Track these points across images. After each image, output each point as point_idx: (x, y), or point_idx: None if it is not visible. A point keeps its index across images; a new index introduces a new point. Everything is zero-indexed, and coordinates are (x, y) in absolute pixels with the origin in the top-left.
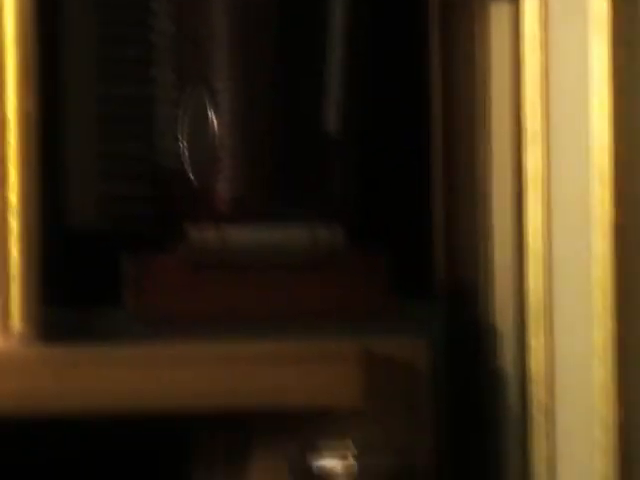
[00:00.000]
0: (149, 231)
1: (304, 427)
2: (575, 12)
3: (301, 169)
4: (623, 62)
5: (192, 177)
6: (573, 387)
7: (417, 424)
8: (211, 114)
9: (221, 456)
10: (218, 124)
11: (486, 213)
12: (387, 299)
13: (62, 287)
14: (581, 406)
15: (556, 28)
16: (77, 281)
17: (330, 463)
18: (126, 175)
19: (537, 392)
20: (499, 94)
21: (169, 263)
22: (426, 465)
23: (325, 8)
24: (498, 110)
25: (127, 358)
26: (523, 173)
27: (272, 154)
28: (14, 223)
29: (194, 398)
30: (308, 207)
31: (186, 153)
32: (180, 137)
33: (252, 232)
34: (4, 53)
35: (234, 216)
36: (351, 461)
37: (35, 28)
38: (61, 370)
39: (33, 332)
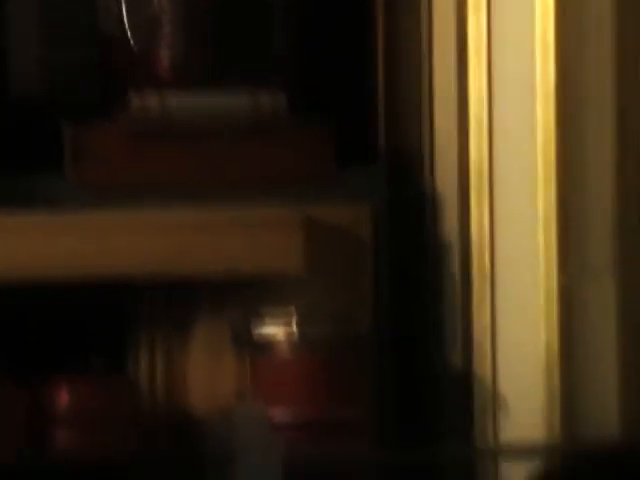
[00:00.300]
0: (90, 99)
1: (247, 294)
2: None
3: (242, 34)
4: None
5: (133, 43)
6: (516, 254)
7: (358, 292)
8: None
9: (164, 323)
10: None
11: (429, 80)
12: (329, 166)
13: (4, 156)
14: (524, 273)
15: None
16: (19, 150)
17: (272, 330)
18: (68, 41)
19: (480, 259)
20: None
21: (110, 131)
22: (366, 333)
23: None
24: None
25: (68, 225)
26: (466, 40)
27: (213, 19)
28: None
29: (134, 265)
30: (250, 73)
31: (127, 18)
32: (121, 1)
33: (193, 98)
34: None
35: (175, 82)
36: (293, 328)
37: None
38: (1, 236)
39: None
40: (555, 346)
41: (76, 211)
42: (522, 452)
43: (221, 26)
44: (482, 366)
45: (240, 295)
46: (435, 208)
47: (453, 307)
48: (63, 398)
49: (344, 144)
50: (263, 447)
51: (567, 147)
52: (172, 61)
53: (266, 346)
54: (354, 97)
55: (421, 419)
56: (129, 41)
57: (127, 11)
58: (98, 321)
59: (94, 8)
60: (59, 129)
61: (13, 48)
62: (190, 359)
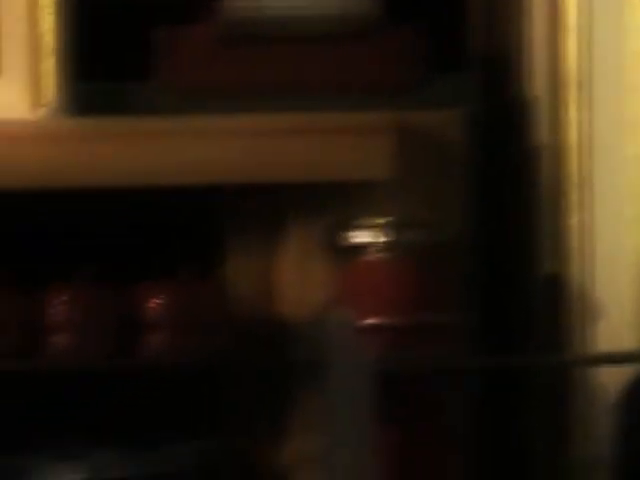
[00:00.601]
0: (181, 2)
1: (338, 200)
2: None
3: None
4: None
5: None
6: (608, 159)
7: (449, 198)
8: None
9: (255, 229)
10: None
11: None
12: (421, 72)
13: (95, 62)
14: (621, 178)
15: None
16: (110, 55)
17: (363, 236)
18: None
19: (577, 164)
20: None
21: (201, 34)
22: (457, 239)
23: None
24: None
25: (157, 130)
26: None
27: None
28: None
29: (225, 170)
30: None
31: None
32: None
33: (285, 3)
34: None
35: None
36: (384, 234)
37: None
38: (92, 141)
39: (64, 105)
40: None
41: (166, 116)
42: (616, 359)
43: None
44: (577, 271)
45: (331, 201)
46: (528, 114)
47: (546, 212)
48: (156, 303)
49: (437, 51)
50: (353, 352)
51: None
52: None
53: (357, 252)
54: (448, 3)
55: (512, 325)
56: None
57: None
58: (190, 227)
59: None
60: (150, 33)
61: None
62: (281, 265)
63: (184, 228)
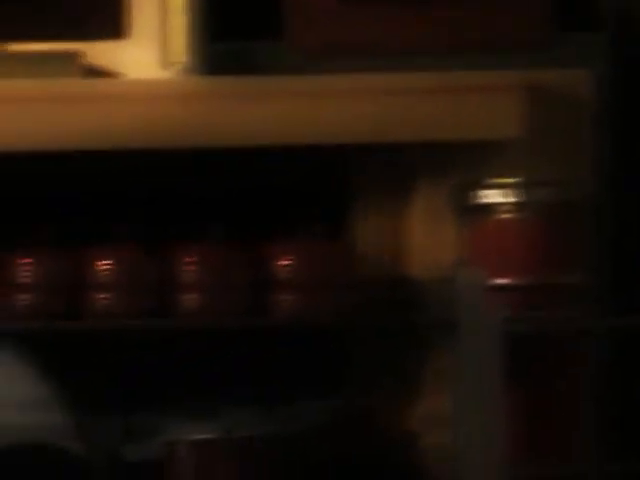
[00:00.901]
0: None
1: (467, 160)
2: None
3: None
4: None
5: None
6: None
7: (579, 157)
8: None
9: (384, 190)
10: None
11: None
12: (550, 30)
13: (224, 22)
14: None
15: None
16: (238, 16)
17: (493, 195)
18: None
19: None
20: None
21: None
22: (588, 199)
23: None
24: None
25: (286, 89)
26: None
27: None
28: None
29: (354, 130)
30: None
31: None
32: None
33: None
34: None
35: None
36: (514, 193)
37: None
38: (221, 101)
39: (195, 64)
40: None
41: (294, 75)
42: None
43: None
44: None
45: (461, 161)
46: None
47: None
48: (286, 262)
49: (568, 9)
50: (483, 311)
51: None
52: None
53: (486, 211)
54: None
55: None
56: None
57: None
58: (319, 187)
59: None
60: None
61: None
62: (409, 225)
63: (313, 188)
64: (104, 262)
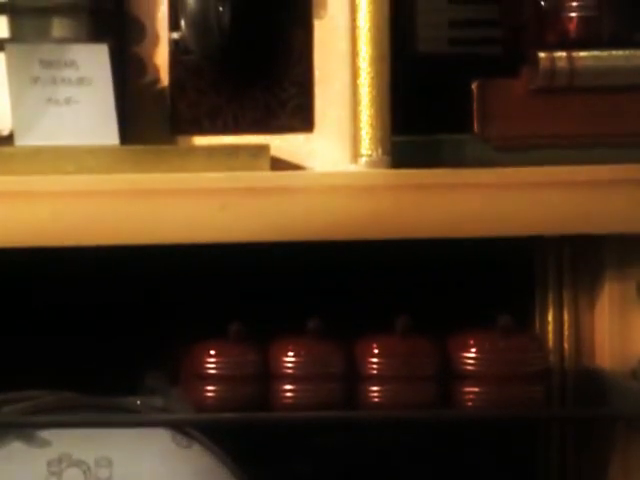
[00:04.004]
0: (497, 56)
1: None
2: None
3: None
4: None
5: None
6: None
7: None
8: None
9: (571, 280)
10: None
11: None
12: None
13: (411, 113)
14: None
15: None
16: (425, 107)
17: None
18: None
19: None
20: None
21: (518, 87)
22: None
23: None
24: None
25: (474, 181)
26: None
27: None
28: (364, 48)
29: (541, 221)
30: None
31: None
32: None
33: (601, 57)
34: None
35: (583, 40)
36: None
37: None
38: (408, 192)
39: (382, 157)
40: None
41: (482, 167)
42: None
43: None
44: None
45: None
46: None
47: None
48: (471, 353)
49: None
50: None
51: None
52: (581, 19)
53: None
54: None
55: None
56: None
57: None
58: (504, 279)
59: None
60: (464, 86)
61: (419, 7)
62: (596, 316)
63: (498, 279)
64: (291, 354)
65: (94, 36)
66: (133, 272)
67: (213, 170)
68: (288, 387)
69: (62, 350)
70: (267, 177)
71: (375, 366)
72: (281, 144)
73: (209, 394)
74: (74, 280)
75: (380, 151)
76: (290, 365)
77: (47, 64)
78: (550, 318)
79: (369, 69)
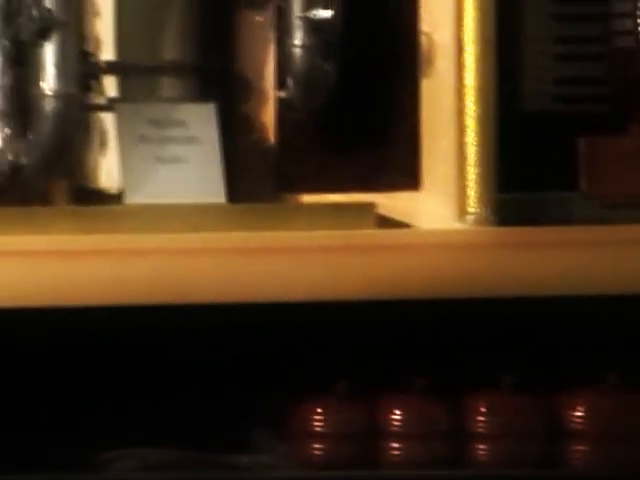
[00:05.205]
0: (604, 113)
1: None
2: None
3: None
4: None
5: None
6: None
7: None
8: None
9: None
10: None
11: None
12: None
13: (517, 170)
14: None
15: None
16: (531, 165)
17: None
18: (582, 57)
19: None
20: None
21: (625, 145)
22: None
23: None
24: None
25: (583, 239)
26: None
27: None
28: (471, 106)
29: None
30: None
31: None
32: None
33: None
34: None
35: None
36: None
37: None
38: (515, 250)
39: (487, 215)
40: None
41: (589, 224)
42: None
43: None
44: None
45: None
46: None
47: None
48: (580, 411)
49: None
50: None
51: None
52: None
53: None
54: None
55: None
56: None
57: None
58: (612, 335)
59: (608, 24)
60: (570, 143)
61: (525, 65)
62: None
63: (606, 335)
64: (398, 412)
65: (202, 95)
66: (240, 329)
67: (319, 228)
68: (395, 444)
69: (170, 407)
70: (373, 235)
71: (482, 424)
72: (387, 202)
73: (316, 451)
74: (181, 336)
75: (486, 209)
76: (397, 423)
77: (156, 123)
78: None
79: (475, 127)
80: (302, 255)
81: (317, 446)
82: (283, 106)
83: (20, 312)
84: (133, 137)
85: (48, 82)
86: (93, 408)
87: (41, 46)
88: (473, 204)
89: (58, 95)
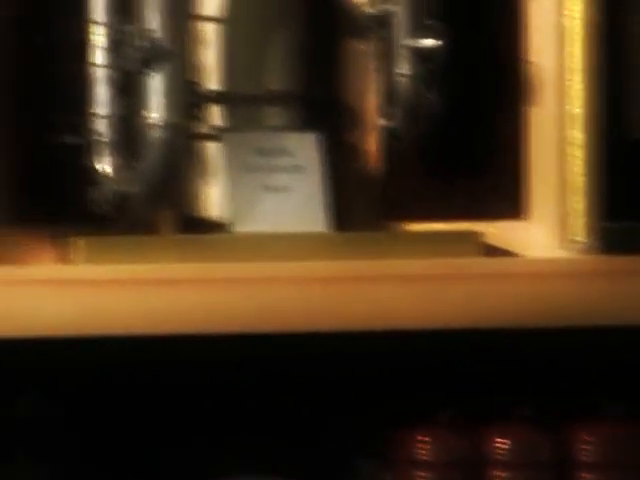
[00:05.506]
0: None
1: None
2: None
3: None
4: None
5: None
6: None
7: None
8: None
9: None
10: None
11: None
12: None
13: (621, 199)
14: None
15: None
16: (636, 193)
17: None
18: None
19: None
20: None
21: None
22: None
23: None
24: None
25: None
26: None
27: None
28: (575, 135)
29: None
30: None
31: None
32: None
33: None
34: None
35: None
36: None
37: None
38: (619, 279)
39: (592, 243)
40: None
41: None
42: None
43: None
44: None
45: None
46: None
47: None
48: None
49: None
50: None
51: None
52: None
53: None
54: None
55: None
56: None
57: None
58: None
59: None
60: None
61: (631, 92)
62: None
63: (611, 367)
64: (502, 440)
65: (307, 124)
66: (346, 356)
67: (424, 256)
68: (499, 473)
69: (275, 436)
70: (478, 263)
71: (587, 453)
72: (492, 230)
73: None
74: (286, 364)
75: (591, 237)
76: (501, 451)
77: (261, 152)
78: None
79: (580, 156)
80: (407, 283)
81: (422, 474)
82: (387, 135)
83: (128, 340)
84: (239, 166)
85: (155, 111)
86: (192, 438)
87: (148, 76)
88: (578, 232)
89: (165, 124)
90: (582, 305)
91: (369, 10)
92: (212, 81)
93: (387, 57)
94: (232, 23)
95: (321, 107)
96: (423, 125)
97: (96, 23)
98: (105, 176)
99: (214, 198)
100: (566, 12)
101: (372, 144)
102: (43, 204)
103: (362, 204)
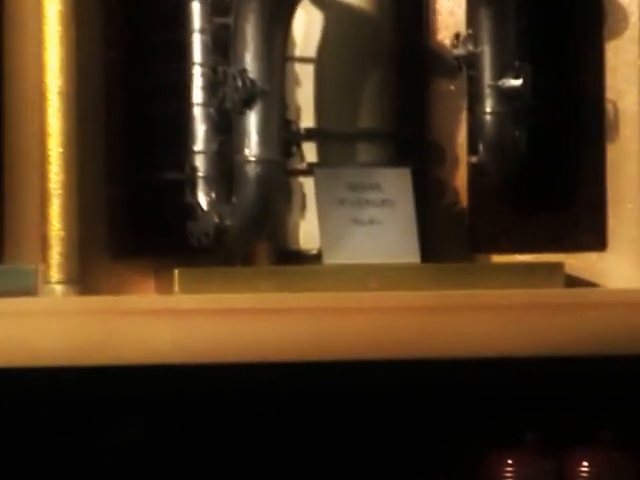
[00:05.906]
0: None
1: None
2: None
3: None
4: None
5: None
6: None
7: None
8: None
9: None
10: None
11: None
12: None
13: None
14: None
15: None
16: None
17: None
18: None
19: None
20: None
21: None
22: None
23: None
24: None
25: None
26: None
27: None
28: None
29: None
30: None
31: None
32: None
33: None
34: None
35: None
36: None
37: None
38: None
39: None
40: None
41: None
42: None
43: None
44: None
45: None
46: None
47: None
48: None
49: None
50: None
51: None
52: None
53: None
54: None
55: None
56: None
57: None
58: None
59: None
60: None
61: None
62: None
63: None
64: (586, 464)
65: (397, 160)
66: (433, 382)
67: (510, 287)
68: None
69: (357, 463)
70: (562, 294)
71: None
72: (574, 262)
73: None
74: (374, 392)
75: None
76: (585, 475)
77: (353, 187)
78: None
79: None
80: (493, 313)
81: None
82: (475, 171)
83: (221, 368)
84: (331, 200)
85: (251, 148)
86: (270, 469)
87: (245, 114)
88: None
89: (261, 160)
90: None
91: (458, 51)
92: (306, 119)
93: (475, 96)
94: (325, 64)
95: (411, 144)
96: (509, 161)
97: (196, 65)
98: (204, 210)
99: (307, 231)
100: None
101: (460, 180)
102: (146, 238)
103: (451, 237)
